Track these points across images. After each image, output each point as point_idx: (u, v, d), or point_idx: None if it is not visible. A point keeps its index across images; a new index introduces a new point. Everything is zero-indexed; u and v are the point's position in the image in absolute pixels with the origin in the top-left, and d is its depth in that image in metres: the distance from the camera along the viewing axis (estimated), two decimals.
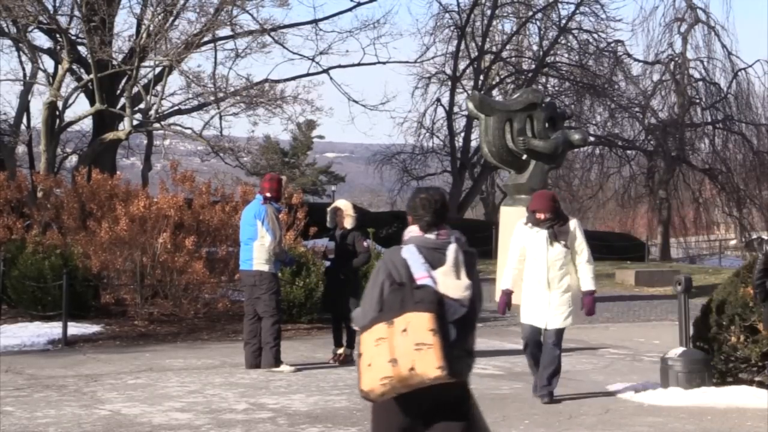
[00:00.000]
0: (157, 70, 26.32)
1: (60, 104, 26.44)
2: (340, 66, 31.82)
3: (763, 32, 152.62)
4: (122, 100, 26.85)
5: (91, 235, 15.68)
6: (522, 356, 9.88)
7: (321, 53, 30.50)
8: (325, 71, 31.04)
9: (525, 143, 18.47)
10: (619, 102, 41.70)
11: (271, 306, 10.94)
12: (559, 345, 9.32)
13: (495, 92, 40.69)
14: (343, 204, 12.07)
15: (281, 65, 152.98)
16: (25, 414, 8.56)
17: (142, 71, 26.29)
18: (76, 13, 25.61)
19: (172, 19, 26.21)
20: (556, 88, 41.92)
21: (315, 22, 30.96)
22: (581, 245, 9.20)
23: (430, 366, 4.41)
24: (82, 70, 27.74)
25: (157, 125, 27.34)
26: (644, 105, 43.19)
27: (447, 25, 41.11)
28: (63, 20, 26.41)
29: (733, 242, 52.42)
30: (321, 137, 67.06)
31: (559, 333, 9.29)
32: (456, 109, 41.17)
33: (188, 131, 28.04)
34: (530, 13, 42.28)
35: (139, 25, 26.69)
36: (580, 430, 8.28)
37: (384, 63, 32.44)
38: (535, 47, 43.03)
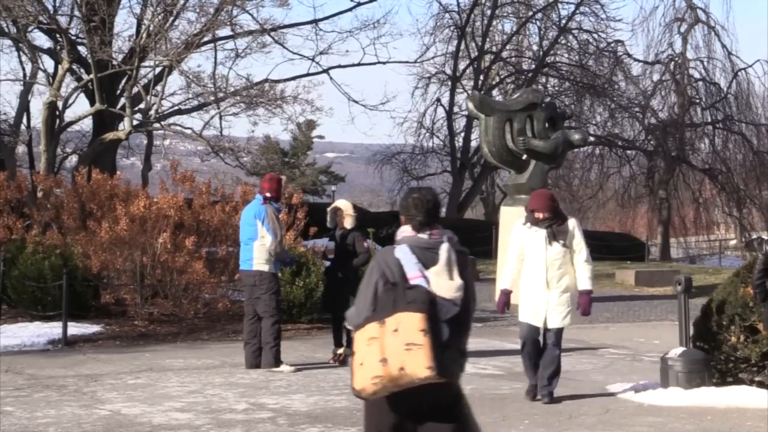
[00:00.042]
0: (157, 70, 26.33)
1: (60, 104, 26.45)
2: (340, 66, 31.85)
3: (763, 32, 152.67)
4: (122, 100, 26.86)
5: (91, 235, 15.68)
6: None
7: (321, 53, 30.55)
8: (325, 71, 31.06)
9: (525, 143, 18.47)
10: (619, 102, 41.71)
11: (271, 306, 10.94)
12: (558, 345, 9.32)
13: (495, 92, 40.71)
14: (343, 204, 12.07)
15: (281, 65, 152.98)
16: (25, 414, 8.56)
17: (142, 71, 26.33)
18: (76, 13, 25.62)
19: (172, 19, 26.22)
20: (556, 88, 41.94)
21: (315, 22, 30.99)
22: (580, 245, 9.18)
23: (419, 366, 4.43)
24: (82, 70, 27.75)
25: (157, 125, 27.35)
26: (644, 105, 43.20)
27: (447, 25, 41.17)
28: (63, 20, 26.44)
29: (733, 242, 52.41)
30: (321, 137, 67.08)
31: (559, 333, 9.29)
32: (456, 109, 41.21)
33: (188, 131, 28.06)
34: (530, 13, 42.30)
35: (139, 25, 26.70)
36: (580, 430, 8.28)
37: (384, 63, 32.48)
38: (535, 47, 43.06)
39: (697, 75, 44.62)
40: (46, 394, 9.51)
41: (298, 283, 14.76)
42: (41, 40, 28.52)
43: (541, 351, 9.26)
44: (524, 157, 18.75)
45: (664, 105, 44.84)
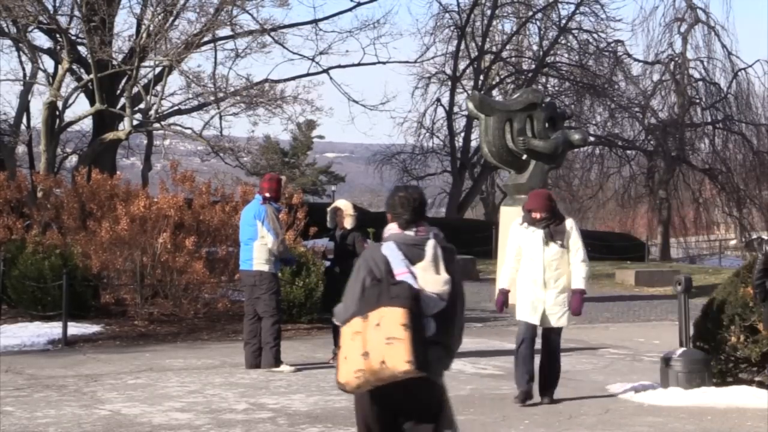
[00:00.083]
0: (157, 70, 26.34)
1: (60, 104, 26.46)
2: (340, 66, 31.86)
3: (763, 32, 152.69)
4: (122, 100, 26.87)
5: (91, 235, 15.67)
6: None
7: (321, 53, 30.57)
8: (325, 71, 31.08)
9: (525, 143, 18.47)
10: (619, 102, 41.72)
11: (271, 306, 10.95)
12: (557, 345, 9.30)
13: (495, 92, 40.72)
14: (343, 204, 12.06)
15: (281, 65, 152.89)
16: (25, 414, 8.57)
17: (142, 71, 26.34)
18: (76, 13, 25.63)
19: (172, 19, 26.24)
20: (556, 88, 41.95)
21: (315, 22, 31.01)
22: (577, 245, 9.10)
23: (399, 360, 4.49)
24: (82, 70, 27.76)
25: (157, 125, 27.36)
26: (644, 105, 43.21)
27: (447, 25, 41.18)
28: (63, 20, 26.46)
29: (733, 242, 52.42)
30: (321, 137, 67.09)
31: (557, 333, 9.27)
32: (456, 109, 41.22)
33: (188, 131, 28.08)
34: (530, 13, 42.31)
35: (139, 25, 26.71)
36: (580, 430, 8.29)
37: (384, 63, 32.51)
38: (535, 47, 43.07)
39: (697, 75, 44.65)
40: (46, 394, 9.51)
41: (298, 283, 14.76)
42: (41, 40, 28.59)
43: (533, 354, 9.14)
44: (524, 157, 18.75)
45: (664, 105, 44.86)
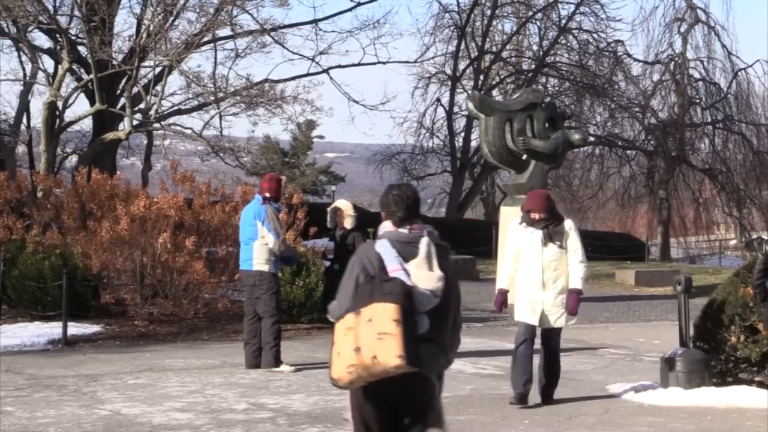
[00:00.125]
0: (157, 70, 26.34)
1: (60, 104, 26.46)
2: (340, 66, 31.86)
3: (763, 32, 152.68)
4: (122, 100, 26.86)
5: (91, 235, 15.68)
6: None
7: (321, 53, 30.57)
8: (325, 71, 31.07)
9: (525, 143, 18.47)
10: (619, 102, 41.73)
11: (271, 306, 10.95)
12: (557, 346, 9.29)
13: (495, 92, 40.72)
14: (343, 204, 12.07)
15: (281, 65, 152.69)
16: (25, 414, 8.57)
17: (142, 71, 26.34)
18: (76, 13, 25.63)
19: (172, 19, 26.24)
20: (556, 88, 41.95)
21: (315, 22, 31.00)
22: (575, 245, 9.06)
23: (390, 354, 4.50)
24: (82, 70, 27.76)
25: (157, 125, 27.36)
26: (644, 105, 43.21)
27: (447, 25, 41.18)
28: (63, 20, 26.46)
29: (733, 242, 52.43)
30: (321, 137, 67.10)
31: (557, 333, 9.25)
32: (456, 109, 41.22)
33: (188, 131, 28.07)
34: (530, 13, 42.31)
35: (139, 25, 26.71)
36: (580, 430, 8.29)
37: (384, 63, 32.50)
38: (535, 47, 43.07)
39: (697, 75, 44.65)
40: (46, 394, 9.52)
41: (298, 283, 14.76)
42: (41, 40, 28.58)
43: (532, 355, 9.11)
44: (524, 157, 18.75)
45: (664, 105, 44.86)
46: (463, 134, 41.33)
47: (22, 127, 29.56)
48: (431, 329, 4.71)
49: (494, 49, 42.84)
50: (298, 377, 10.62)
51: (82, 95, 28.21)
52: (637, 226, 49.24)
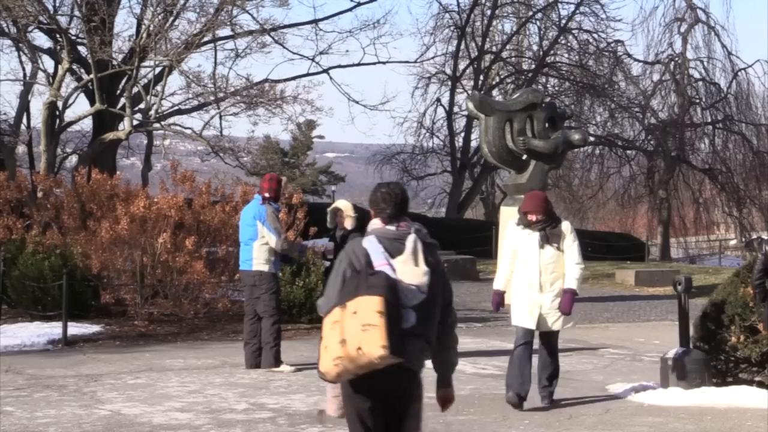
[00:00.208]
0: (157, 70, 26.34)
1: (60, 104, 26.46)
2: (340, 66, 31.88)
3: (763, 32, 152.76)
4: (122, 100, 26.86)
5: (91, 235, 15.68)
6: None
7: (321, 53, 30.58)
8: (325, 71, 31.09)
9: (525, 143, 18.47)
10: (619, 102, 41.72)
11: (271, 306, 10.95)
12: (555, 348, 9.26)
13: (495, 92, 40.71)
14: (344, 204, 12.05)
15: (281, 65, 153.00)
16: (25, 414, 8.57)
17: (142, 71, 26.34)
18: (76, 13, 25.63)
19: (172, 19, 26.24)
20: (556, 88, 41.93)
21: (315, 22, 31.01)
22: (572, 247, 9.00)
23: (374, 345, 4.53)
24: (82, 70, 27.76)
25: (157, 125, 27.35)
26: (644, 105, 43.19)
27: (447, 25, 41.17)
28: (63, 20, 26.47)
29: (733, 242, 52.43)
30: (321, 137, 67.11)
31: (554, 336, 9.23)
32: (456, 109, 41.21)
33: (188, 131, 28.07)
34: (530, 13, 42.30)
35: (139, 25, 26.71)
36: (580, 430, 8.29)
37: (384, 63, 32.51)
38: (535, 47, 43.06)
39: (697, 75, 44.64)
40: (46, 394, 9.52)
41: (298, 283, 14.76)
42: (41, 40, 28.58)
43: (531, 358, 9.09)
44: (524, 157, 18.75)
45: (664, 105, 44.84)
46: (463, 134, 41.32)
47: (22, 127, 29.57)
48: (418, 324, 4.75)
49: (494, 49, 42.83)
50: (298, 377, 10.62)
51: (82, 95, 28.22)
52: (637, 226, 49.23)
